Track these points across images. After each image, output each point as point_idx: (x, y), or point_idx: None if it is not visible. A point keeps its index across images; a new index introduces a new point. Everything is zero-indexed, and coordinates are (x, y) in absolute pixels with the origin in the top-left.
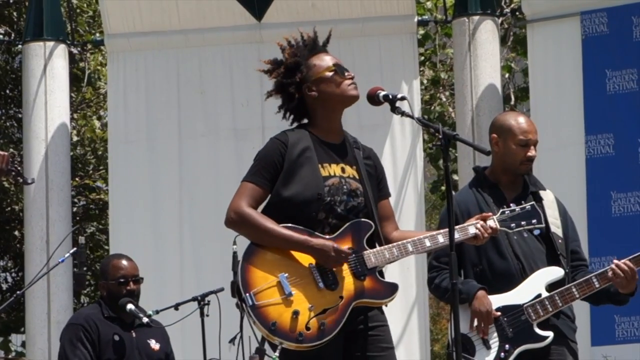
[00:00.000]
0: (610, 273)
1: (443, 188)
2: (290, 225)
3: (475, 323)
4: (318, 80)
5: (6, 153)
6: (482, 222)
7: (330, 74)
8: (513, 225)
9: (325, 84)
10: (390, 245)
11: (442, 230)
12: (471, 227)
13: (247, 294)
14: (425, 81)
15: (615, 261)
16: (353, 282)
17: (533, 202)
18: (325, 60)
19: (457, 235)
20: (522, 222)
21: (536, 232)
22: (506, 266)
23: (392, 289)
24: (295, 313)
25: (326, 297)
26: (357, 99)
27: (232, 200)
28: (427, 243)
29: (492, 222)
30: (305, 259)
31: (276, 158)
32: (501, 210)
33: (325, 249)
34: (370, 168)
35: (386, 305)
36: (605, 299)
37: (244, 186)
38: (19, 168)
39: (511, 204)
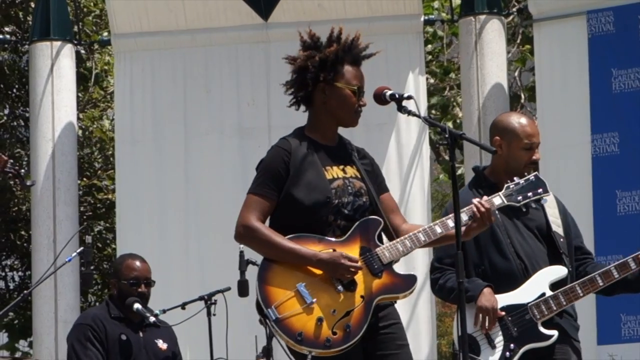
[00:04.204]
0: (633, 265)
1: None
2: (298, 235)
3: (480, 319)
4: (335, 89)
5: (5, 157)
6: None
7: (349, 92)
8: (520, 198)
9: (338, 96)
10: (402, 237)
11: (450, 215)
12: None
13: (269, 309)
14: (436, 72)
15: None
16: (371, 280)
17: (536, 173)
18: (353, 76)
19: (465, 218)
20: (529, 194)
21: (543, 201)
22: (508, 266)
23: (410, 280)
24: (319, 320)
25: (347, 300)
26: (354, 127)
27: (240, 215)
28: (438, 229)
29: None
30: None
31: (280, 167)
32: (506, 186)
33: (335, 259)
34: (367, 166)
35: (395, 302)
36: (621, 289)
37: (251, 199)
38: (20, 171)
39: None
